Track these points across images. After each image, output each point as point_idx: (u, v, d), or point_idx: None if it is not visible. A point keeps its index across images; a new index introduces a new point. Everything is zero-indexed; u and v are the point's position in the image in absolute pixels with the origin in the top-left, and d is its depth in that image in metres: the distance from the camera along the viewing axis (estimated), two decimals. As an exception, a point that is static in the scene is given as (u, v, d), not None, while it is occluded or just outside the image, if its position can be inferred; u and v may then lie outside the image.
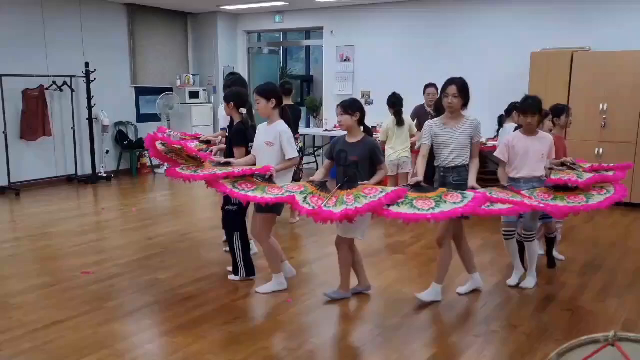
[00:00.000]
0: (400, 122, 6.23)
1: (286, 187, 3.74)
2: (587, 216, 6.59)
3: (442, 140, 3.88)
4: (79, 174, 8.79)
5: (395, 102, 6.19)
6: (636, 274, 4.66)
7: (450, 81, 3.93)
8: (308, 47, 12.61)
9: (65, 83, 8.39)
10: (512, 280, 4.33)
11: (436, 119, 4.02)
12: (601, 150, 7.05)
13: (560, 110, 4.99)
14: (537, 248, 4.42)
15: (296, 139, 4.56)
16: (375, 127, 8.95)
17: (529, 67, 7.37)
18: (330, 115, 9.66)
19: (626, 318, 3.75)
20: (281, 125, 4.02)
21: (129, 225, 6.20)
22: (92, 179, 8.68)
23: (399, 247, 5.35)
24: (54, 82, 8.27)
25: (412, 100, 6.75)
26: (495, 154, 4.22)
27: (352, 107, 3.88)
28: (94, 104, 8.69)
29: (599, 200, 3.68)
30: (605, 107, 6.97)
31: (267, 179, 3.82)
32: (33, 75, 7.99)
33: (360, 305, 4.01)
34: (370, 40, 9.27)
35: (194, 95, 10.15)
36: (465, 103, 3.89)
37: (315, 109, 10.49)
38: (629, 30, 7.15)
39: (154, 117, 9.64)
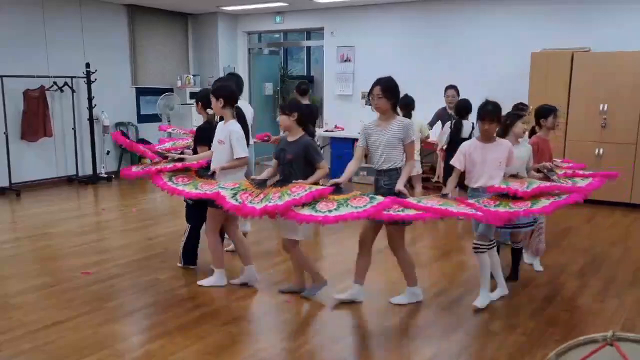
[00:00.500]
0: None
1: (222, 184, 3.84)
2: (587, 216, 6.60)
3: (373, 141, 3.81)
4: (80, 174, 8.80)
5: (408, 104, 5.97)
6: (636, 274, 4.66)
7: (376, 82, 3.89)
8: (308, 48, 12.62)
9: (65, 83, 8.40)
10: (494, 295, 4.02)
11: (372, 120, 3.93)
12: (601, 150, 7.05)
13: (546, 112, 4.76)
14: (488, 261, 3.93)
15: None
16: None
17: (529, 67, 7.37)
18: (330, 115, 9.67)
19: (626, 318, 3.75)
20: (232, 125, 4.11)
21: (129, 226, 6.21)
22: (93, 180, 8.69)
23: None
24: (55, 83, 8.28)
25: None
26: (452, 161, 3.97)
27: (289, 108, 3.96)
28: (95, 105, 8.69)
29: (544, 204, 3.40)
30: (606, 108, 6.97)
31: (210, 175, 4.01)
32: (34, 76, 7.99)
33: (360, 306, 4.01)
34: (370, 41, 9.27)
35: (195, 95, 10.12)
36: (394, 103, 3.80)
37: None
38: (629, 30, 7.16)
39: (155, 118, 9.64)
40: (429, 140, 6.92)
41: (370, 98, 3.88)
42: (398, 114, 3.86)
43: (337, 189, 3.59)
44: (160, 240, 5.54)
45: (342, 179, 3.70)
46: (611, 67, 6.91)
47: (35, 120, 8.10)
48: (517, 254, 4.47)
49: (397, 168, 3.76)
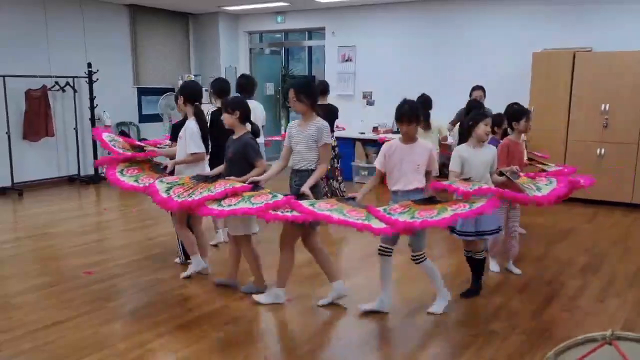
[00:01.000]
0: (426, 126, 5.82)
1: (163, 178, 4.00)
2: (588, 216, 6.59)
3: (293, 141, 3.85)
4: (81, 174, 8.81)
5: (423, 105, 5.68)
6: (637, 274, 4.65)
7: (289, 86, 3.96)
8: (309, 48, 12.61)
9: (67, 83, 8.41)
10: (368, 305, 3.82)
11: (297, 120, 3.94)
12: (602, 150, 7.04)
13: (518, 114, 4.54)
14: (433, 266, 3.85)
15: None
16: (377, 127, 8.99)
17: (530, 67, 7.37)
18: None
19: (626, 318, 3.75)
20: (189, 122, 4.32)
21: (130, 226, 6.22)
22: (94, 179, 8.70)
23: (398, 248, 5.33)
24: (57, 83, 8.29)
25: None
26: (375, 162, 3.87)
27: (231, 106, 4.01)
28: (96, 105, 8.71)
29: (444, 216, 3.23)
30: (607, 108, 6.96)
31: (163, 169, 4.27)
32: (36, 76, 8.01)
33: (363, 304, 4.01)
34: (371, 41, 9.27)
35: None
36: (311, 104, 3.77)
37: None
38: (631, 30, 7.15)
39: (156, 118, 9.65)
40: (447, 142, 6.68)
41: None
42: (319, 115, 3.86)
43: (256, 187, 3.71)
44: (161, 240, 5.54)
45: (263, 177, 3.82)
46: (613, 67, 6.90)
47: (37, 120, 8.12)
48: (477, 264, 4.15)
49: (310, 169, 3.77)
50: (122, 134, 9.43)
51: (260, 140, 5.05)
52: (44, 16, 8.22)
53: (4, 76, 7.61)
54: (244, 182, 3.77)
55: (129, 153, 4.36)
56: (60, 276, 4.54)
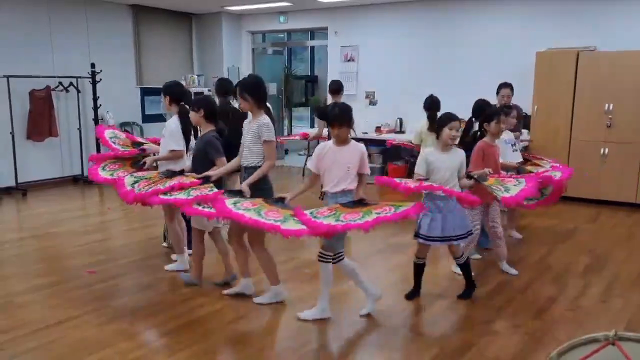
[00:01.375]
0: (433, 127, 5.45)
1: (135, 174, 4.17)
2: (591, 216, 6.58)
3: (243, 138, 3.94)
4: (85, 174, 8.83)
5: (431, 106, 5.69)
6: (640, 274, 4.64)
7: (236, 84, 4.08)
8: (312, 48, 12.63)
9: (71, 84, 8.43)
10: (308, 314, 3.76)
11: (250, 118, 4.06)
12: (606, 150, 7.02)
13: (489, 116, 4.43)
14: (352, 269, 3.77)
15: None
16: (380, 127, 8.99)
17: (534, 66, 7.35)
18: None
19: (629, 319, 3.74)
20: (170, 121, 4.47)
21: (133, 225, 6.23)
22: (98, 179, 8.71)
23: (400, 248, 5.35)
24: (60, 83, 8.31)
25: (417, 101, 6.61)
26: (308, 164, 3.88)
27: (197, 104, 4.15)
28: (100, 105, 8.73)
29: (367, 219, 3.16)
30: (611, 107, 6.93)
31: (142, 164, 4.40)
32: (39, 77, 8.03)
33: (362, 306, 4.01)
34: (374, 41, 9.27)
35: (199, 95, 10.16)
36: (255, 101, 3.81)
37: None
38: (635, 29, 7.13)
39: (159, 118, 9.66)
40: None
41: None
42: (269, 111, 3.94)
43: (206, 182, 3.83)
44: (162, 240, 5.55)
45: (214, 172, 3.93)
46: (617, 67, 6.88)
47: (41, 121, 8.14)
48: (463, 268, 4.11)
49: (256, 166, 3.82)
50: (126, 133, 9.45)
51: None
52: (47, 17, 8.24)
53: (8, 77, 7.63)
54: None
55: (125, 150, 4.53)
56: (63, 275, 4.55)
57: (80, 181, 8.71)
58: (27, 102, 8.03)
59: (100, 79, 8.60)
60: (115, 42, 9.24)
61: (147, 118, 9.82)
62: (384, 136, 8.58)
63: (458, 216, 3.89)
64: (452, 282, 4.43)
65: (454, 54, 8.47)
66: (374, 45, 9.29)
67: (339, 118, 3.57)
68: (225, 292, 4.13)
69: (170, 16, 10.13)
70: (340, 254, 3.67)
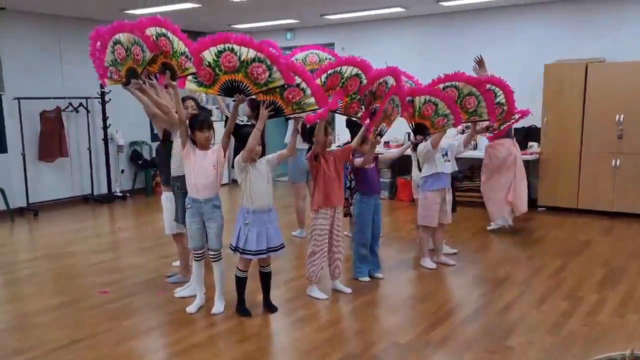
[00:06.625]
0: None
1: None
2: (605, 228, 6.51)
3: None
4: (95, 193, 8.88)
5: None
6: (657, 287, 4.58)
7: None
8: (320, 64, 12.68)
9: (81, 104, 8.51)
10: (191, 308, 4.12)
11: None
12: (618, 162, 6.97)
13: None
14: (222, 270, 4.11)
15: None
16: (388, 142, 8.98)
17: (542, 78, 7.34)
18: (341, 131, 9.66)
19: (647, 333, 3.68)
20: None
21: (145, 244, 6.24)
22: (108, 198, 8.76)
23: (412, 264, 5.32)
24: (70, 104, 8.40)
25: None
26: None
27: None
28: (109, 124, 8.80)
29: None
30: (622, 118, 6.90)
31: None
32: (50, 98, 8.12)
33: (375, 322, 3.99)
34: (380, 56, 9.22)
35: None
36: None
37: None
38: (643, 40, 7.12)
39: (169, 136, 9.71)
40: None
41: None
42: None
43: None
44: (175, 258, 5.54)
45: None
46: (626, 77, 6.86)
47: (51, 141, 8.21)
48: (262, 278, 4.14)
49: None
50: (135, 153, 9.51)
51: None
52: (57, 38, 8.35)
53: (19, 98, 7.73)
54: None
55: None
56: (77, 295, 4.56)
57: (90, 200, 8.76)
58: (38, 123, 8.11)
59: (110, 99, 8.69)
60: (125, 62, 9.32)
61: (157, 137, 9.82)
62: (392, 151, 8.56)
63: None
64: (467, 296, 4.39)
65: (462, 67, 8.40)
66: (380, 60, 9.27)
67: (205, 123, 4.11)
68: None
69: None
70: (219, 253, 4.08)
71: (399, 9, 8.19)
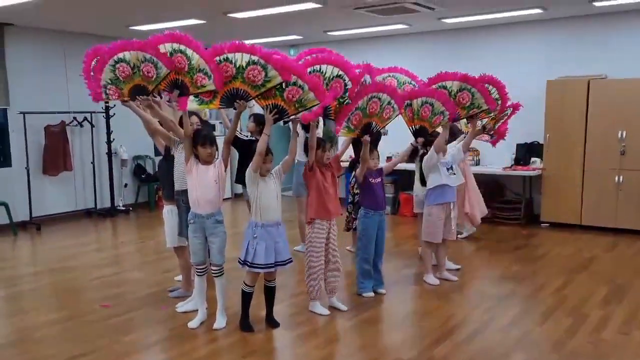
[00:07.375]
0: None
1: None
2: (610, 245, 6.48)
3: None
4: (98, 207, 8.88)
5: (453, 133, 5.66)
6: (661, 304, 4.54)
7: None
8: (323, 79, 12.73)
9: (85, 119, 8.55)
10: (193, 323, 4.10)
11: None
12: (621, 178, 6.96)
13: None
14: (223, 285, 4.11)
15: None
16: (391, 157, 8.98)
17: (544, 95, 7.37)
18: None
19: (653, 350, 3.65)
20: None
21: (147, 258, 6.23)
22: (111, 213, 8.76)
23: (415, 279, 5.30)
24: (75, 118, 8.44)
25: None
26: None
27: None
28: (113, 139, 8.84)
29: None
30: (624, 135, 6.90)
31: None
32: (54, 112, 8.17)
33: (378, 338, 3.96)
34: (384, 72, 9.32)
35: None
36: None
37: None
38: (645, 57, 7.14)
39: (172, 151, 9.74)
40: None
41: None
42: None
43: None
44: (177, 273, 5.52)
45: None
46: (628, 94, 6.87)
47: (56, 155, 8.24)
48: (269, 294, 4.13)
49: None
50: (138, 167, 9.54)
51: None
52: (62, 54, 8.41)
53: (24, 113, 7.78)
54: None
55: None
56: (78, 309, 4.55)
57: (93, 215, 8.76)
58: (42, 137, 8.16)
59: (114, 114, 8.73)
60: (130, 77, 9.38)
61: (159, 152, 9.88)
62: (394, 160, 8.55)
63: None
64: (471, 312, 4.37)
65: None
66: (384, 76, 9.34)
67: (209, 138, 4.03)
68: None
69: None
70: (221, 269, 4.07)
71: (402, 26, 8.24)
